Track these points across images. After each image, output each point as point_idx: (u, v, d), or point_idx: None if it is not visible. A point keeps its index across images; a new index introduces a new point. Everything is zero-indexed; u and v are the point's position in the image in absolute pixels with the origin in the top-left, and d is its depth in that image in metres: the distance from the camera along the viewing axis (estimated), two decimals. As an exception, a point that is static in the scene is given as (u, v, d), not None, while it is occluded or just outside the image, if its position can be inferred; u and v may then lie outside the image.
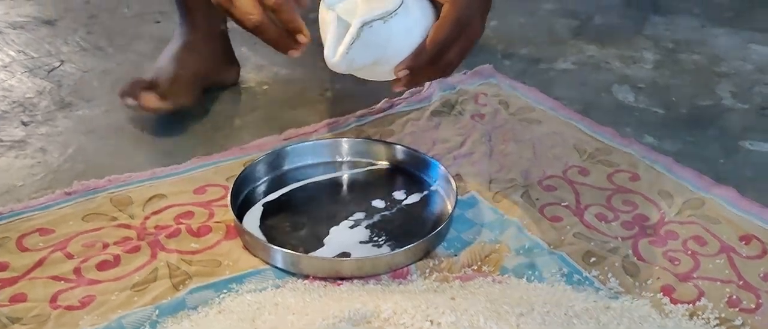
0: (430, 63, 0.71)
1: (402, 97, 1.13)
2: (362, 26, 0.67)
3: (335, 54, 0.69)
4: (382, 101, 1.10)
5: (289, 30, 0.71)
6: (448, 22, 0.71)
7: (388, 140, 1.00)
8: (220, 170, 0.93)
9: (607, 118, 1.09)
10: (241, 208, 0.85)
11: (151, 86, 1.01)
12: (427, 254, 0.78)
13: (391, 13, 0.68)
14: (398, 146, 0.94)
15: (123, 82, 1.12)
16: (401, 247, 0.78)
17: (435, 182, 0.90)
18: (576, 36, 1.42)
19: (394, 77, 0.72)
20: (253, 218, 0.83)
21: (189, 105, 1.05)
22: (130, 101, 0.99)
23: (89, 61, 1.23)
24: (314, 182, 0.91)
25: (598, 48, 1.36)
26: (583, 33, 1.43)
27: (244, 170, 0.87)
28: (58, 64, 1.21)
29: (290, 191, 0.89)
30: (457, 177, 0.93)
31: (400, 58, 0.71)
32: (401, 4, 0.69)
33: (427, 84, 1.16)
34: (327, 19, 0.71)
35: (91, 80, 1.16)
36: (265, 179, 0.90)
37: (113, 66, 1.21)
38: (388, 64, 0.72)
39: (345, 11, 0.70)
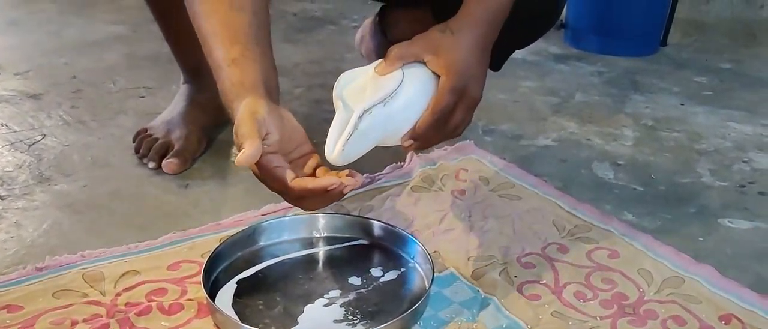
0: (435, 131, 0.78)
1: (383, 172, 1.13)
2: (362, 115, 0.73)
3: (334, 150, 0.74)
4: (363, 176, 1.09)
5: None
6: (445, 92, 0.77)
7: (367, 215, 0.99)
8: (195, 246, 0.92)
9: (587, 194, 1.10)
10: (214, 285, 0.84)
11: (168, 150, 1.13)
12: (402, 334, 0.77)
13: (390, 95, 0.75)
14: (376, 222, 0.93)
15: (104, 156, 1.14)
16: (376, 326, 0.76)
17: (413, 258, 0.89)
18: (556, 113, 1.44)
19: (402, 144, 0.79)
20: (226, 296, 0.82)
21: (201, 154, 1.18)
22: (151, 164, 1.12)
23: (71, 135, 1.23)
24: (290, 258, 0.90)
25: (578, 125, 1.37)
26: (563, 110, 1.45)
27: (218, 247, 0.86)
28: (39, 138, 1.21)
29: (265, 267, 0.88)
30: (436, 254, 0.92)
31: (401, 133, 0.79)
32: (400, 84, 0.76)
33: (408, 159, 1.17)
34: (337, 107, 0.76)
35: (71, 154, 1.16)
36: (239, 254, 0.89)
37: (95, 140, 1.22)
38: (391, 140, 0.79)
39: (351, 96, 0.76)
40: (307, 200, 0.77)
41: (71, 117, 1.30)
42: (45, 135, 1.23)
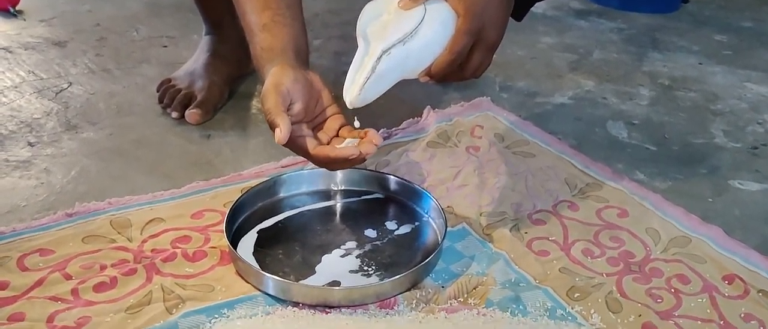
0: (451, 71, 0.80)
1: (400, 127, 1.16)
2: (381, 56, 0.75)
3: (351, 93, 0.77)
4: (380, 131, 1.12)
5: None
6: (461, 33, 0.79)
7: (384, 170, 1.02)
8: (218, 195, 0.96)
9: (600, 153, 1.12)
10: (236, 234, 0.87)
11: (191, 101, 1.15)
12: (414, 285, 0.80)
13: (410, 33, 0.76)
14: (392, 177, 0.96)
15: (128, 105, 1.17)
16: (390, 276, 0.80)
17: (427, 213, 0.92)
18: (574, 70, 1.44)
19: (418, 78, 0.81)
20: (247, 245, 0.85)
21: (223, 104, 1.20)
22: (175, 114, 1.14)
23: (96, 83, 1.26)
24: (309, 210, 0.93)
25: (595, 83, 1.38)
26: (581, 67, 1.46)
27: (240, 198, 0.89)
28: (66, 85, 1.24)
29: (285, 218, 0.91)
30: (449, 209, 0.95)
31: (419, 71, 0.81)
32: (421, 22, 0.77)
33: (424, 115, 1.19)
34: (359, 42, 0.79)
35: (97, 103, 1.19)
36: (260, 205, 0.93)
37: (119, 89, 1.24)
38: (409, 77, 0.81)
39: (373, 33, 0.78)
40: (330, 165, 0.81)
41: (96, 65, 1.33)
42: (71, 83, 1.26)
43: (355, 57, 0.78)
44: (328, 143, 0.83)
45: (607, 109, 1.28)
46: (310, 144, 0.80)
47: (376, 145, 0.80)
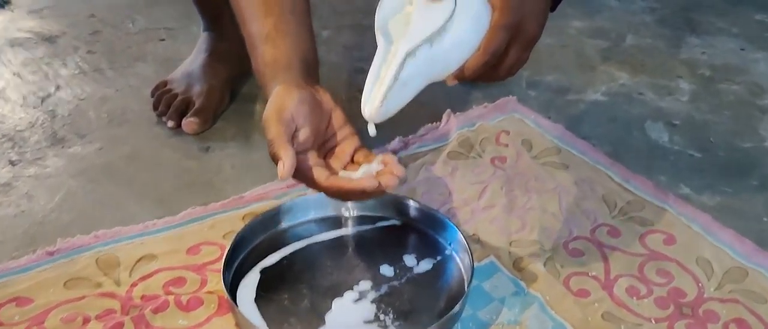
0: (485, 72, 0.69)
1: (417, 134, 1.05)
2: (404, 61, 0.64)
3: (371, 106, 0.66)
4: (396, 140, 1.02)
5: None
6: (498, 29, 0.68)
7: (401, 187, 0.92)
8: (216, 224, 0.86)
9: (640, 163, 1.01)
10: (236, 273, 0.78)
11: (188, 108, 1.05)
12: (439, 341, 0.71)
13: (438, 31, 0.65)
14: (410, 202, 0.86)
15: (121, 112, 1.08)
16: (410, 328, 0.70)
17: (449, 245, 0.82)
18: (606, 60, 1.32)
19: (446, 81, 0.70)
20: (248, 289, 0.76)
21: (223, 110, 1.10)
22: (171, 123, 1.04)
23: (87, 86, 1.16)
24: (317, 242, 0.83)
25: (630, 75, 1.27)
26: (613, 56, 1.34)
27: (240, 233, 0.79)
28: (53, 89, 1.14)
29: (291, 253, 0.82)
30: (474, 237, 0.85)
31: (447, 74, 0.69)
32: (451, 17, 0.65)
33: (444, 119, 1.08)
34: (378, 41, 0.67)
35: (86, 110, 1.09)
36: (263, 238, 0.83)
37: (111, 93, 1.14)
38: (436, 80, 0.69)
39: (394, 29, 0.67)
40: (345, 197, 0.72)
41: (87, 65, 1.23)
42: (59, 86, 1.16)
43: (374, 60, 0.67)
44: (344, 168, 0.73)
45: (645, 106, 1.17)
46: (321, 175, 0.70)
47: (399, 177, 0.70)
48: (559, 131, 1.07)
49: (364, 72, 1.22)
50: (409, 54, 0.64)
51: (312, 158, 0.71)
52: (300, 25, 0.77)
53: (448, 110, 1.09)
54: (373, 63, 0.67)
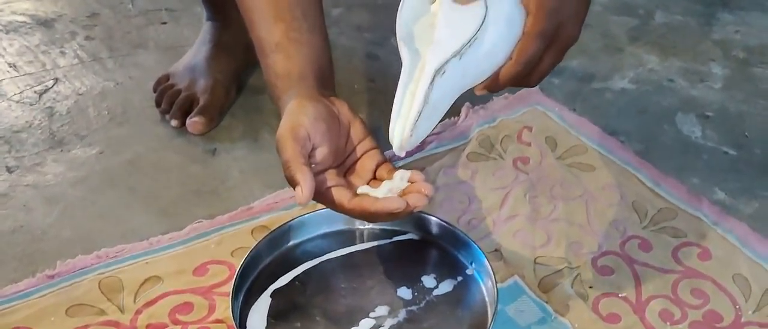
0: (518, 82, 0.65)
1: (435, 131, 0.99)
2: (433, 80, 0.58)
3: (400, 137, 0.61)
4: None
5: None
6: (533, 37, 0.62)
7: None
8: (224, 240, 0.82)
9: (671, 163, 0.95)
10: (245, 296, 0.73)
11: (192, 105, 1.00)
12: (460, 377, 0.67)
13: (469, 42, 0.59)
14: (430, 218, 0.80)
15: (122, 109, 1.03)
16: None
17: (471, 265, 0.77)
18: (634, 41, 1.25)
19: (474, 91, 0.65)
20: (258, 317, 0.71)
21: (230, 105, 1.05)
22: (174, 123, 0.99)
23: (86, 79, 1.10)
24: (330, 260, 0.79)
25: (660, 59, 1.19)
26: (642, 36, 1.26)
27: (247, 257, 0.74)
28: (51, 83, 1.09)
29: (303, 273, 0.77)
30: (497, 253, 0.80)
31: (476, 84, 0.64)
32: (482, 25, 0.59)
33: (462, 115, 1.02)
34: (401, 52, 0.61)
35: (86, 107, 1.04)
36: (274, 256, 0.78)
37: (111, 87, 1.09)
38: (466, 90, 0.64)
39: (418, 37, 0.61)
40: (370, 218, 0.67)
41: (86, 53, 1.17)
42: (57, 79, 1.10)
43: (400, 79, 0.61)
44: (367, 184, 0.68)
45: (675, 96, 1.10)
46: (344, 196, 0.65)
47: (427, 196, 0.64)
48: (585, 126, 1.01)
49: (378, 58, 1.16)
50: (439, 71, 0.59)
51: (331, 178, 0.66)
52: (313, 30, 0.72)
53: (467, 104, 1.03)
54: (399, 82, 0.61)
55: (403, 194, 0.65)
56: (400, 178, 0.67)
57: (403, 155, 0.64)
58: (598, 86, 1.12)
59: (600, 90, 1.11)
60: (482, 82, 0.64)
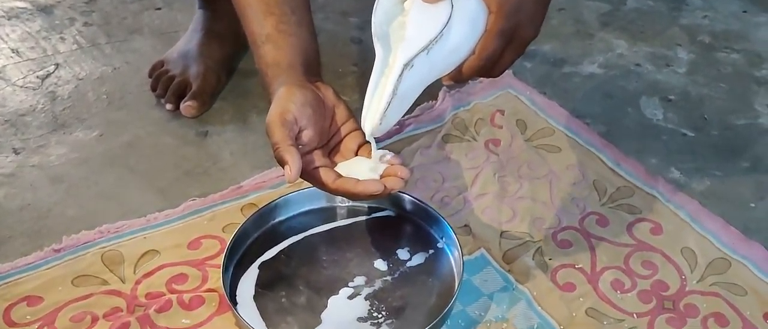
0: (480, 75, 0.71)
1: (413, 114, 1.06)
2: (402, 73, 0.65)
3: (370, 123, 0.68)
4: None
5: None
6: (494, 35, 0.68)
7: (395, 175, 0.94)
8: (216, 216, 0.89)
9: (632, 144, 1.02)
10: (236, 268, 0.81)
11: (186, 90, 1.06)
12: (428, 338, 0.75)
13: (435, 39, 0.65)
14: (404, 196, 0.88)
15: (119, 94, 1.10)
16: (401, 326, 0.75)
17: (441, 239, 0.85)
18: (605, 26, 1.31)
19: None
20: (247, 286, 0.79)
21: (220, 89, 1.11)
22: (169, 106, 1.06)
23: (86, 64, 1.17)
24: (314, 235, 0.86)
25: (629, 44, 1.26)
26: (613, 22, 1.33)
27: (237, 231, 0.82)
28: (52, 68, 1.15)
29: (288, 247, 0.84)
30: (466, 229, 0.88)
31: (441, 76, 0.70)
32: (447, 23, 0.65)
33: (440, 98, 1.09)
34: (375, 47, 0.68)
35: (86, 91, 1.10)
36: (261, 232, 0.85)
37: (109, 72, 1.15)
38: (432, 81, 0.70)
39: (393, 36, 0.67)
40: (352, 198, 0.75)
41: (84, 39, 1.23)
42: (58, 64, 1.16)
43: (373, 71, 0.68)
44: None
45: (641, 80, 1.17)
46: (329, 177, 0.72)
47: (403, 179, 0.72)
48: (554, 109, 1.08)
49: (361, 42, 1.22)
50: (407, 65, 0.65)
51: (318, 159, 0.73)
52: (301, 23, 0.78)
53: (444, 88, 1.09)
54: (372, 74, 0.68)
55: (382, 176, 0.72)
56: (381, 157, 0.74)
57: (373, 139, 0.71)
58: (568, 70, 1.19)
59: (570, 74, 1.18)
60: (448, 74, 0.71)
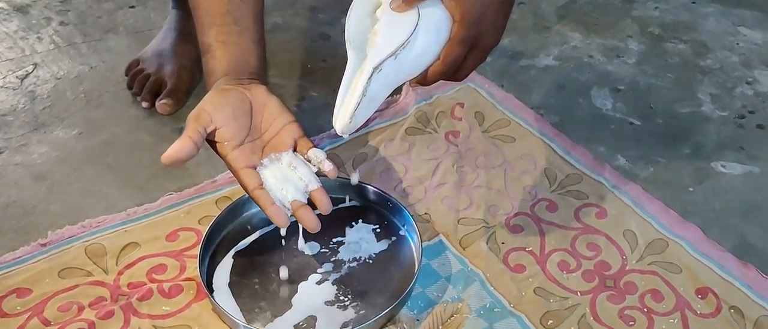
0: (444, 79, 0.76)
1: (378, 109, 1.12)
2: (371, 76, 0.70)
3: (341, 122, 0.72)
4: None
5: None
6: (456, 43, 0.72)
7: (361, 165, 1.01)
8: (192, 210, 0.95)
9: (582, 133, 1.09)
10: (212, 258, 0.87)
11: (161, 88, 1.12)
12: (390, 320, 0.81)
13: (402, 45, 0.70)
14: (369, 187, 0.94)
15: (97, 93, 1.14)
16: (366, 308, 0.82)
17: (403, 227, 0.92)
18: (561, 19, 1.38)
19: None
20: (223, 275, 0.85)
21: (194, 86, 1.16)
22: (145, 104, 1.11)
23: (63, 63, 1.21)
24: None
25: (583, 36, 1.33)
26: (569, 14, 1.40)
27: (212, 223, 0.88)
28: (31, 68, 1.20)
29: (260, 236, 0.91)
30: (426, 217, 0.94)
31: (408, 80, 0.75)
32: (414, 31, 0.70)
33: (403, 92, 1.15)
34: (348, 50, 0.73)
35: (64, 90, 1.15)
36: (234, 223, 0.92)
37: (86, 70, 1.20)
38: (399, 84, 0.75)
39: (364, 42, 0.72)
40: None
41: (61, 38, 1.27)
42: (36, 64, 1.21)
43: (345, 73, 0.73)
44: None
45: (593, 71, 1.25)
46: (249, 181, 0.77)
47: (314, 219, 0.78)
48: (510, 101, 1.15)
49: (329, 38, 1.28)
50: (376, 69, 0.70)
51: (243, 158, 0.78)
52: (243, 33, 0.83)
53: (407, 84, 1.15)
54: (343, 77, 0.73)
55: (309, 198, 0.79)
56: (318, 161, 0.79)
57: (345, 137, 0.77)
58: (525, 63, 1.26)
59: (526, 67, 1.25)
60: (414, 78, 0.76)
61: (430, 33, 0.72)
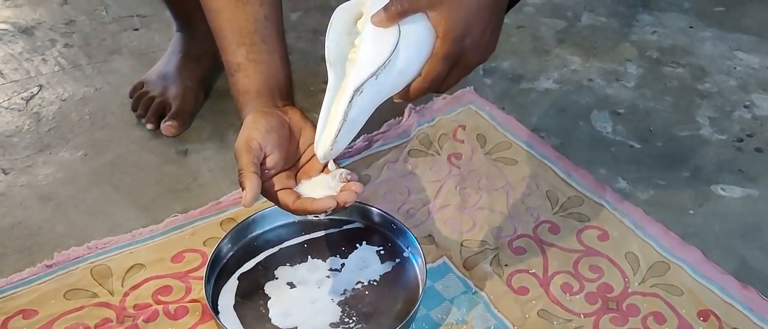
0: (426, 94, 0.75)
1: (380, 130, 1.13)
2: (352, 99, 0.68)
3: (322, 148, 0.72)
4: (361, 139, 1.11)
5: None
6: (439, 59, 0.71)
7: (365, 187, 1.01)
8: (197, 231, 0.95)
9: (583, 155, 1.11)
10: (217, 280, 0.87)
11: (165, 110, 1.13)
12: (395, 342, 0.82)
13: (383, 64, 0.68)
14: (373, 209, 0.95)
15: (102, 114, 1.15)
16: (371, 331, 0.82)
17: (407, 248, 0.92)
18: (561, 43, 1.40)
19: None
20: (228, 297, 0.86)
21: (199, 108, 1.18)
22: (150, 126, 1.13)
23: (68, 85, 1.22)
24: (289, 247, 0.93)
25: (582, 59, 1.35)
26: (568, 38, 1.42)
27: (217, 246, 0.88)
28: (36, 89, 1.21)
29: (264, 259, 0.91)
30: (429, 239, 0.95)
31: (393, 94, 0.73)
32: (395, 49, 0.68)
33: (405, 114, 1.16)
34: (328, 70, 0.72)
35: (69, 112, 1.16)
36: (239, 245, 0.92)
37: (91, 92, 1.21)
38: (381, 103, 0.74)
39: (343, 58, 0.71)
40: (311, 214, 0.80)
41: (66, 60, 1.28)
42: (41, 86, 1.22)
43: (325, 95, 0.72)
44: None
45: (593, 94, 1.26)
46: (288, 199, 0.78)
47: (356, 192, 0.77)
48: (512, 123, 1.16)
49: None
50: (357, 91, 0.68)
51: (280, 182, 0.79)
52: (272, 51, 0.83)
53: (410, 105, 1.17)
54: (324, 99, 0.72)
55: (339, 192, 0.78)
56: (337, 176, 0.79)
57: (325, 163, 0.77)
58: (525, 86, 1.27)
59: (527, 90, 1.26)
60: (396, 94, 0.74)
61: (412, 49, 0.69)
